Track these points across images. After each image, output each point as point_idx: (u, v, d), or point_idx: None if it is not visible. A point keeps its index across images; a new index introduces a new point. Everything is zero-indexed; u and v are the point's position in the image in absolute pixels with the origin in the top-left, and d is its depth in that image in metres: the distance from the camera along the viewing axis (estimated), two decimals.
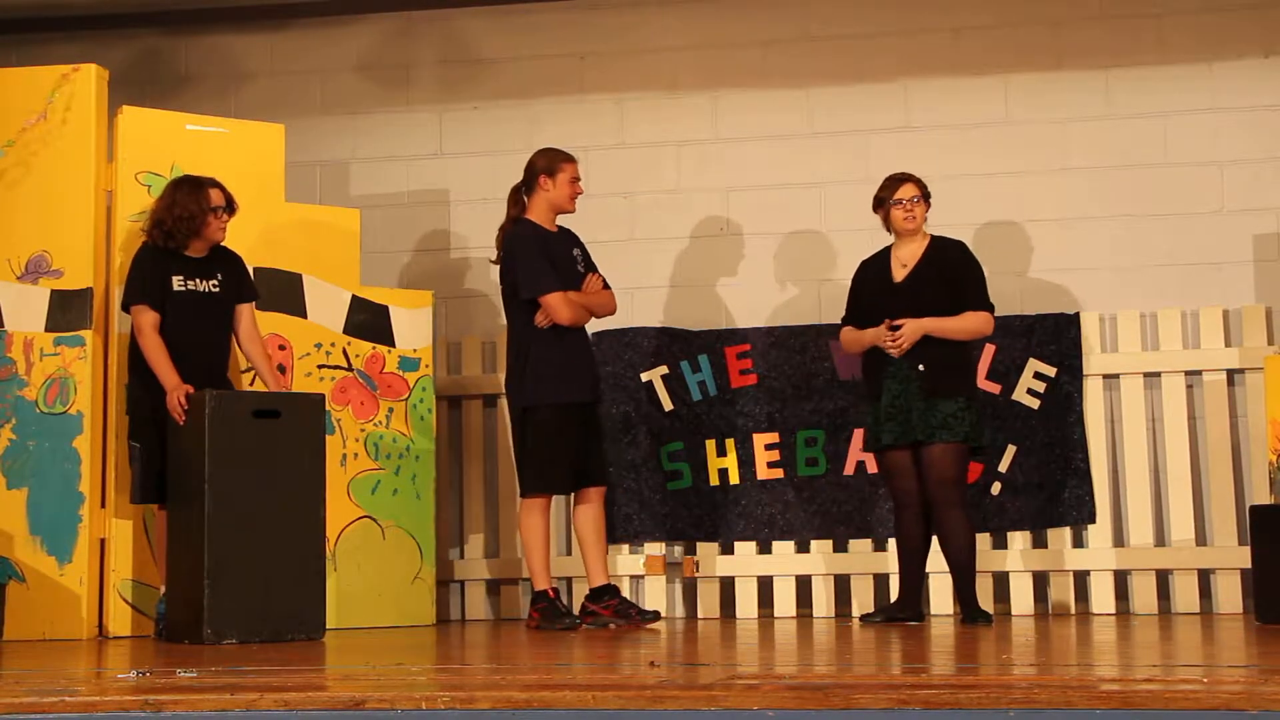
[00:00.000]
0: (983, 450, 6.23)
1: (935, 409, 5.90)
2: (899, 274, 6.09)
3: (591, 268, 6.22)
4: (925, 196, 6.12)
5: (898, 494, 6.07)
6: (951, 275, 6.05)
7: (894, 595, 6.75)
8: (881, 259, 6.20)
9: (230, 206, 5.91)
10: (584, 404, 6.06)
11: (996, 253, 6.81)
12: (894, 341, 5.93)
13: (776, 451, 6.95)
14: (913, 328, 5.93)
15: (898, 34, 7.28)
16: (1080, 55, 7.14)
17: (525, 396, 6.02)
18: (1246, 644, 4.69)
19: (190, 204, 5.82)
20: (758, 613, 6.86)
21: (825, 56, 7.31)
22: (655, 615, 6.05)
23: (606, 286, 6.21)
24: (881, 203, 6.15)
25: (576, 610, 6.22)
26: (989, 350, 6.80)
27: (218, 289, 5.92)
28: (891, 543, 6.80)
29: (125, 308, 5.89)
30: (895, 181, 6.13)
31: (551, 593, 6.01)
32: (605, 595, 6.02)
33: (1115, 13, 7.14)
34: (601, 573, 6.06)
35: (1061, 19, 7.18)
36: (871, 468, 6.85)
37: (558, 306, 6.00)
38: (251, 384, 6.19)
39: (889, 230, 6.16)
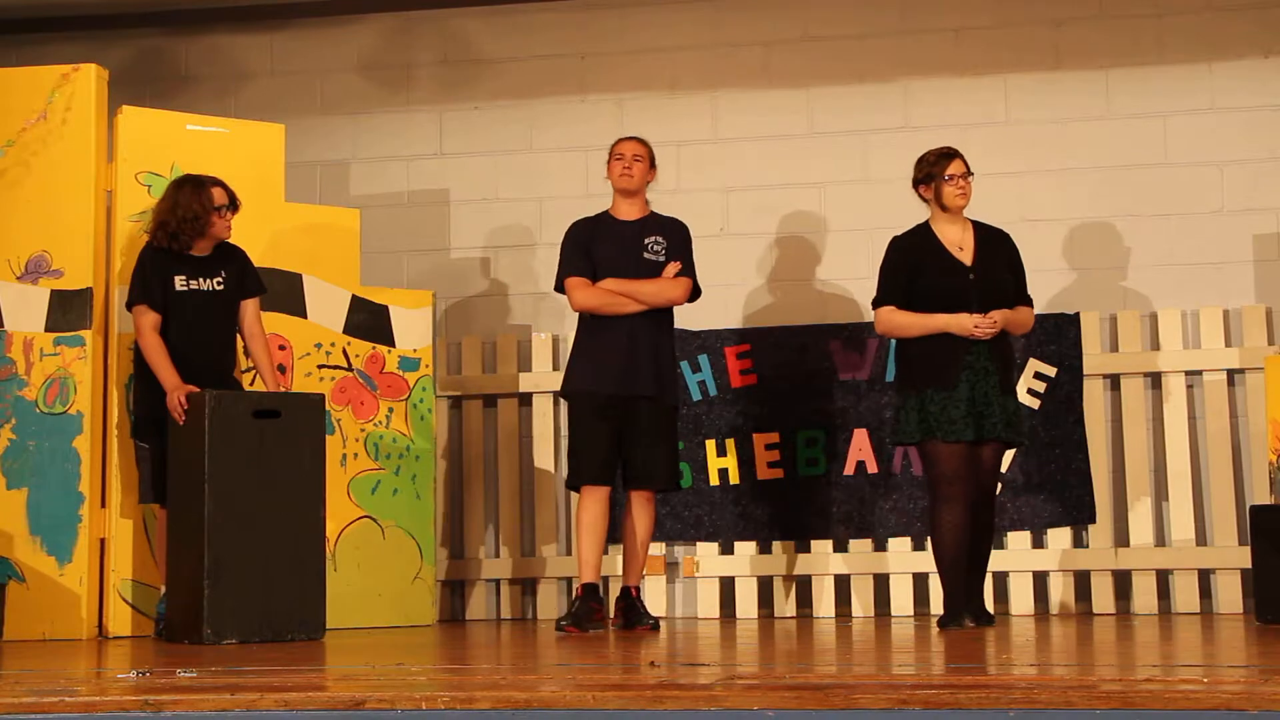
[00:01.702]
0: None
1: (1006, 406, 5.69)
2: (961, 257, 5.77)
3: (678, 255, 5.96)
4: (971, 172, 5.83)
5: (955, 480, 5.64)
6: (1013, 266, 5.85)
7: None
8: (926, 239, 5.83)
9: (234, 204, 5.91)
10: (612, 396, 5.85)
11: None
12: (988, 327, 5.61)
13: (776, 451, 6.95)
14: (1002, 316, 5.66)
15: (898, 34, 7.28)
16: (1080, 55, 7.14)
17: (562, 386, 6.11)
18: (1246, 644, 4.68)
19: (193, 204, 5.82)
20: (758, 613, 6.86)
21: (825, 56, 7.32)
22: (653, 623, 5.90)
23: (683, 274, 5.93)
24: (930, 179, 5.79)
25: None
26: None
27: (221, 286, 5.93)
28: (893, 542, 6.81)
29: (128, 308, 5.90)
30: (943, 157, 5.79)
31: (579, 590, 5.85)
32: (621, 597, 5.97)
33: (1115, 13, 7.14)
34: (629, 574, 5.97)
35: (1061, 19, 7.18)
36: (872, 467, 6.85)
37: (569, 293, 5.96)
38: (252, 384, 6.19)
39: (941, 207, 5.78)
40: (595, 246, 5.96)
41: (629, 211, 6.02)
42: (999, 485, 6.69)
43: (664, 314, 5.97)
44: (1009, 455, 6.70)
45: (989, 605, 6.42)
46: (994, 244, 5.84)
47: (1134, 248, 6.98)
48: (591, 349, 5.93)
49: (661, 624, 6.03)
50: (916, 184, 5.87)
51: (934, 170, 5.79)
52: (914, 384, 5.72)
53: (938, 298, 5.71)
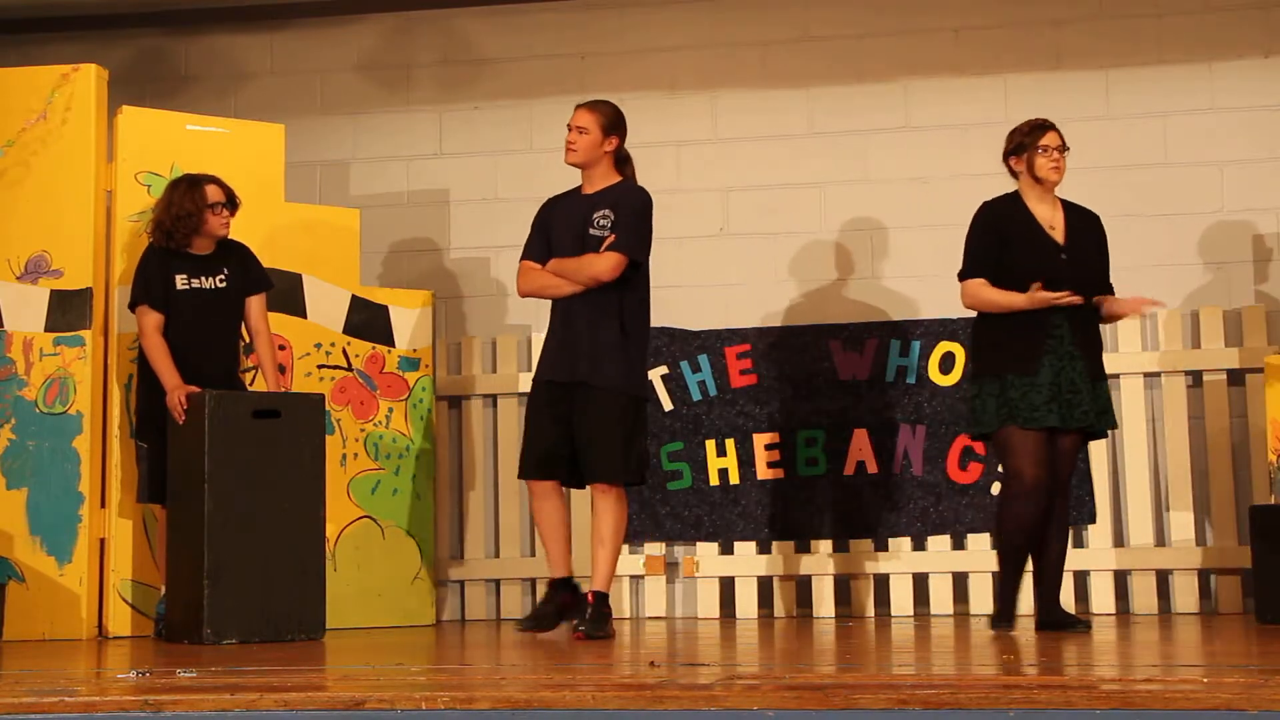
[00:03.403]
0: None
1: (1098, 394, 5.36)
2: (1054, 235, 5.44)
3: (619, 227, 5.46)
4: (1066, 147, 5.51)
5: (1036, 476, 5.28)
6: (1103, 249, 5.56)
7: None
8: (1018, 211, 5.48)
9: (231, 202, 5.91)
10: (553, 384, 5.49)
11: None
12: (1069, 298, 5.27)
13: (776, 451, 6.95)
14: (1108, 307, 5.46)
15: (898, 34, 7.28)
16: (1080, 55, 7.14)
17: None
18: (1246, 644, 4.68)
19: (186, 202, 5.83)
20: (758, 613, 6.86)
21: (825, 57, 7.31)
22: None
23: (621, 247, 5.43)
24: (1021, 149, 5.46)
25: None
26: None
27: (224, 284, 5.92)
28: (893, 542, 6.80)
29: (131, 309, 5.90)
30: (1038, 128, 5.47)
31: (591, 596, 5.45)
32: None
33: (1115, 13, 7.14)
34: (600, 580, 5.49)
35: (1061, 19, 7.18)
36: (872, 467, 6.84)
37: (517, 278, 5.68)
38: (251, 383, 6.19)
39: (1034, 179, 5.46)
40: (551, 225, 5.62)
41: (587, 185, 5.60)
42: (997, 485, 6.69)
43: (605, 293, 5.45)
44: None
45: (988, 606, 6.42)
46: (1085, 224, 5.54)
47: (1134, 248, 6.98)
48: (546, 335, 5.62)
49: (661, 625, 6.01)
50: (1007, 156, 5.54)
51: (1026, 140, 5.47)
52: (993, 369, 5.39)
53: (1027, 277, 5.33)
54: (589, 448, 5.43)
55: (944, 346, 6.88)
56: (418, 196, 7.53)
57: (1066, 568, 6.60)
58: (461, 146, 7.54)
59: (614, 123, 5.61)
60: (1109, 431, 5.56)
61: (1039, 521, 5.34)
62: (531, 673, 3.79)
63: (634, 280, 5.51)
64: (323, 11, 7.67)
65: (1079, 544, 6.74)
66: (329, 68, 7.66)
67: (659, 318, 7.06)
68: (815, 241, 7.22)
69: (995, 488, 6.73)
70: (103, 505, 6.08)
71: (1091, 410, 5.32)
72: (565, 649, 4.87)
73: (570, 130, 5.60)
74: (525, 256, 5.64)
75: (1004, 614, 5.44)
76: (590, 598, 5.42)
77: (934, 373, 6.87)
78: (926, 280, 6.99)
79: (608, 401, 5.42)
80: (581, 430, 5.44)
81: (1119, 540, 6.75)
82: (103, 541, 6.07)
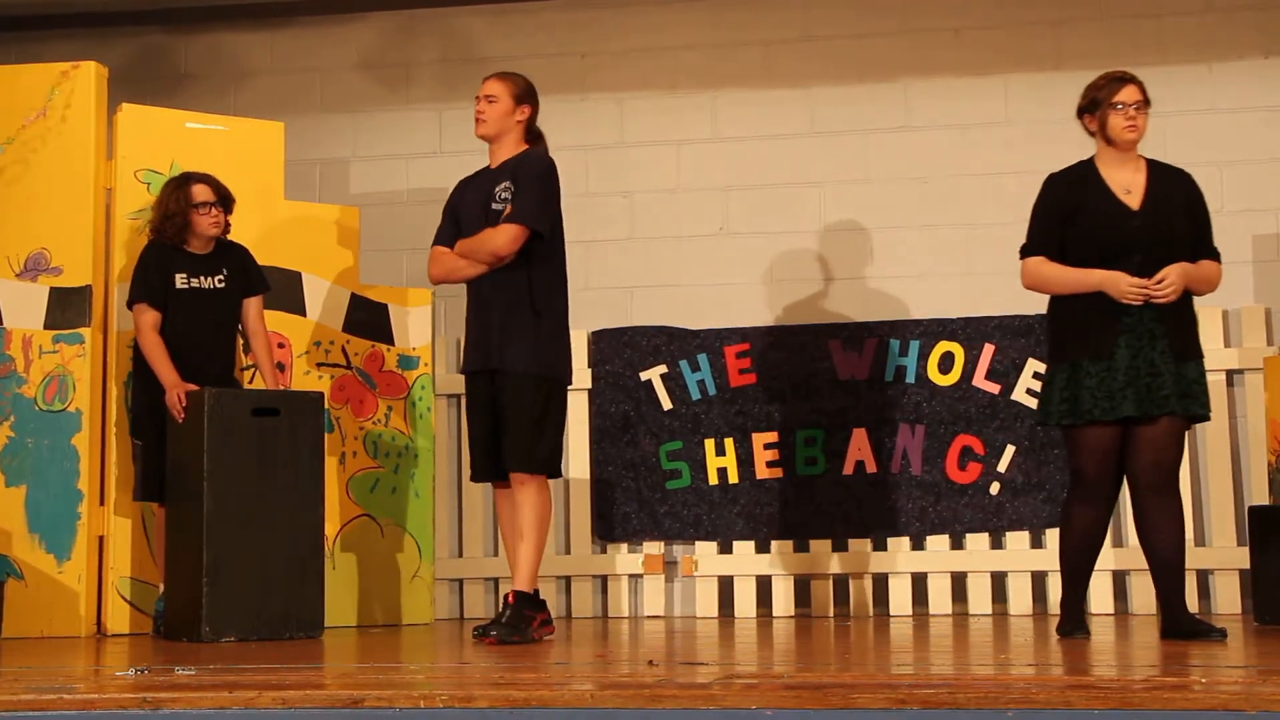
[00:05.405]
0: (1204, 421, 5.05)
1: (1183, 374, 4.79)
2: (1127, 200, 4.88)
3: (517, 197, 5.13)
4: (1148, 103, 4.94)
5: (1096, 478, 4.88)
6: (1194, 211, 4.94)
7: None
8: (1088, 178, 4.95)
9: (223, 200, 5.89)
10: (474, 375, 5.24)
11: (995, 253, 6.80)
12: (1159, 291, 4.75)
13: (776, 451, 6.94)
14: (1178, 275, 4.76)
15: (898, 34, 7.28)
16: (1080, 55, 7.13)
17: None
18: (1246, 644, 4.68)
19: (171, 203, 5.84)
20: (756, 613, 6.86)
21: (825, 56, 7.31)
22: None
23: (519, 217, 5.07)
24: (1096, 105, 4.93)
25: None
26: (988, 350, 6.80)
27: (223, 284, 5.92)
28: (892, 542, 6.80)
29: (129, 306, 5.91)
30: (1115, 81, 4.91)
31: (510, 597, 5.11)
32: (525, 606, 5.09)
33: (1115, 13, 7.14)
34: (519, 578, 5.13)
35: (1061, 19, 7.18)
36: (872, 467, 6.84)
37: (428, 264, 5.37)
38: (250, 382, 6.19)
39: (1106, 140, 4.96)
40: (459, 207, 5.33)
41: (493, 159, 5.31)
42: (997, 485, 6.69)
43: (513, 271, 5.11)
44: (1009, 456, 6.70)
45: (987, 606, 6.42)
46: (1170, 185, 4.96)
47: None
48: (467, 326, 5.33)
49: (660, 624, 6.00)
50: (1081, 112, 5.02)
51: (1100, 96, 4.93)
52: (1064, 354, 4.88)
53: (1094, 247, 4.84)
54: (505, 436, 5.12)
55: (943, 346, 6.88)
56: (417, 195, 7.53)
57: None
58: (461, 145, 7.50)
59: (526, 92, 5.33)
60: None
61: (1099, 524, 4.95)
62: (531, 672, 3.78)
63: (542, 254, 5.15)
64: (323, 10, 7.67)
65: None
66: (329, 66, 7.66)
67: (658, 317, 7.09)
68: (815, 241, 7.22)
69: (994, 488, 6.74)
70: (101, 503, 6.07)
71: (1173, 394, 4.75)
72: (564, 648, 4.86)
73: (479, 100, 5.29)
74: (436, 242, 5.33)
75: (1069, 620, 5.01)
76: (510, 597, 5.06)
77: (933, 372, 6.87)
78: (926, 280, 6.99)
79: (517, 386, 5.10)
80: (502, 419, 5.15)
81: (1118, 540, 6.75)
82: (101, 539, 6.07)
